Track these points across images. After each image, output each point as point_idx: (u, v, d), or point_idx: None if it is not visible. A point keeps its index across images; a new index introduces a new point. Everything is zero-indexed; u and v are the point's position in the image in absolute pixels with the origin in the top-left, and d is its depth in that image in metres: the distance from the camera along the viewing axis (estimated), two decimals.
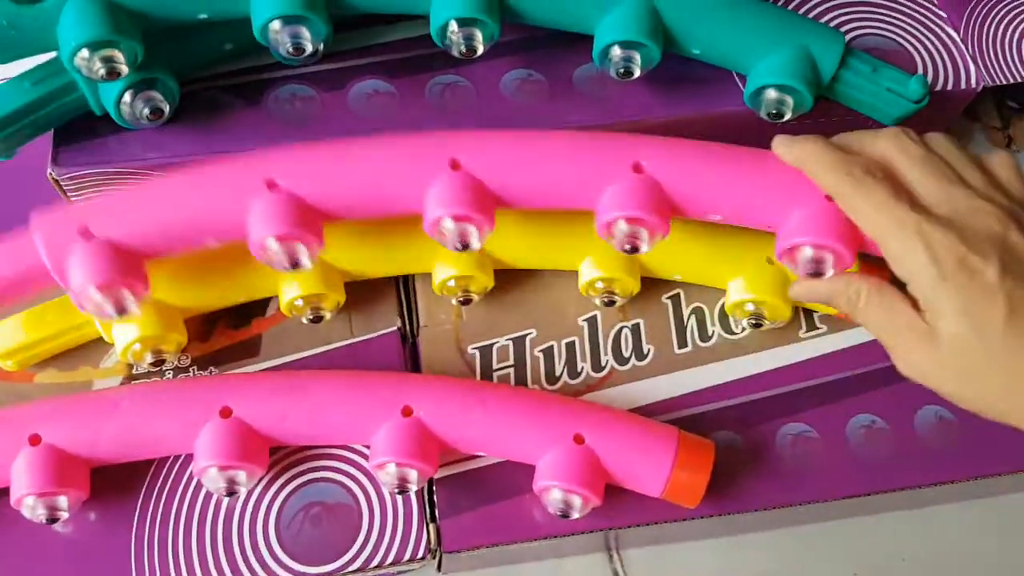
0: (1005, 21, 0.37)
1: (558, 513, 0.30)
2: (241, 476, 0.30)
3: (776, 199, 0.29)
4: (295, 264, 0.29)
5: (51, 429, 0.29)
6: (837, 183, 0.27)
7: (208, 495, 0.32)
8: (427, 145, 0.29)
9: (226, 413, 0.30)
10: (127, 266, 0.29)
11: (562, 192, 0.30)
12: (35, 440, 0.29)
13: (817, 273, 0.29)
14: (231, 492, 0.30)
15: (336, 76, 0.34)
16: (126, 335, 0.33)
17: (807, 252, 0.29)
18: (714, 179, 0.29)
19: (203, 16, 0.30)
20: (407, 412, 0.30)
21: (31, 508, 0.29)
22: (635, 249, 0.30)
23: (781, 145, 0.29)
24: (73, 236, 0.28)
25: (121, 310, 0.29)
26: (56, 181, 0.32)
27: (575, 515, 0.30)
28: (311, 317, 0.35)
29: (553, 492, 0.30)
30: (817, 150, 0.28)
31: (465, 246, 0.30)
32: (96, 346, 0.35)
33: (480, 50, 0.31)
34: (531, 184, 0.30)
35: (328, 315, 0.35)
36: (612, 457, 0.30)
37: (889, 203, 0.26)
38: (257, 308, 0.36)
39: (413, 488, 0.30)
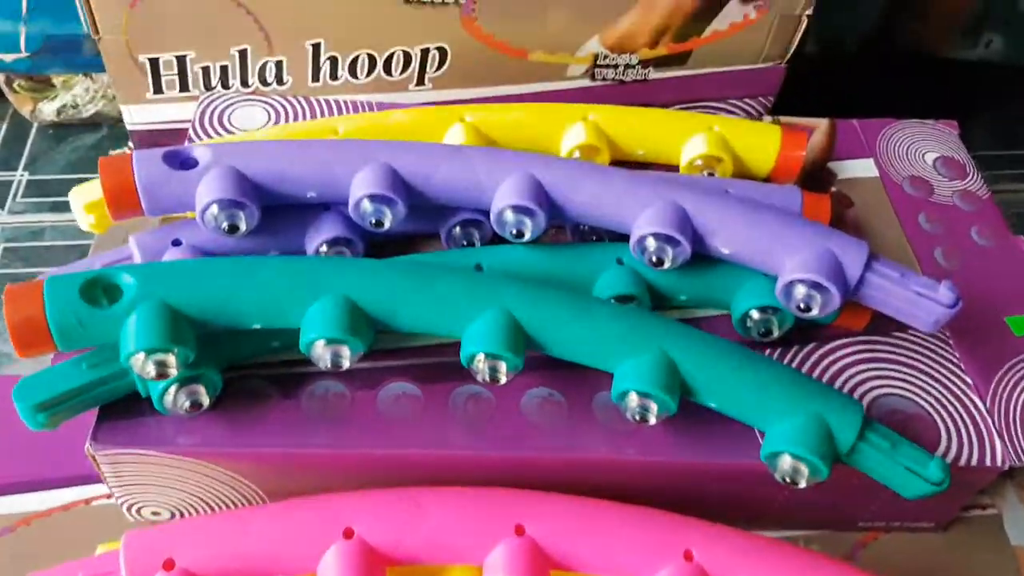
0: None
1: None
2: None
3: None
4: None
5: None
6: None
7: None
8: (495, 505, 0.31)
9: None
10: None
11: (613, 565, 0.31)
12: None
13: None
14: None
15: (368, 375, 0.36)
16: None
17: None
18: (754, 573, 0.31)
19: (257, 326, 0.32)
20: None
21: None
22: None
23: None
24: (157, 565, 0.30)
25: None
26: (92, 456, 0.33)
27: None
28: None
29: None
30: None
31: None
32: None
33: (503, 380, 0.33)
34: (587, 555, 0.31)
35: None
36: None
37: None
38: None
39: None
